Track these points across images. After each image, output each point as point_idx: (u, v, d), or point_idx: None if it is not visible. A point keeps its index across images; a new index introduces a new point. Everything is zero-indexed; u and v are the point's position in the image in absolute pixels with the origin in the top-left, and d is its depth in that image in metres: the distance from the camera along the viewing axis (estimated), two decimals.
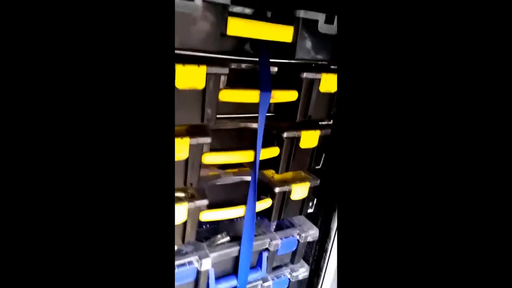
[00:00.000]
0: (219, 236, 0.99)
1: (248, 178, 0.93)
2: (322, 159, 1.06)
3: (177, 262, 0.86)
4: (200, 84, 0.72)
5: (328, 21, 0.83)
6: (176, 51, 0.69)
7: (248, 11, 0.82)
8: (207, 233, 1.01)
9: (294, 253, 1.09)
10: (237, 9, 0.79)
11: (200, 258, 0.88)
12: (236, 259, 0.97)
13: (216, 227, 1.04)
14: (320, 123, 1.01)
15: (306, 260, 1.17)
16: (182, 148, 0.76)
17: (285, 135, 0.90)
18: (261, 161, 0.88)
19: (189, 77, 0.70)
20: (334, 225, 1.08)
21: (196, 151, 0.78)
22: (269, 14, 0.84)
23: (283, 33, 0.80)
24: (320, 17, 0.82)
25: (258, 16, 0.83)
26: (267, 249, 1.01)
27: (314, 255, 1.17)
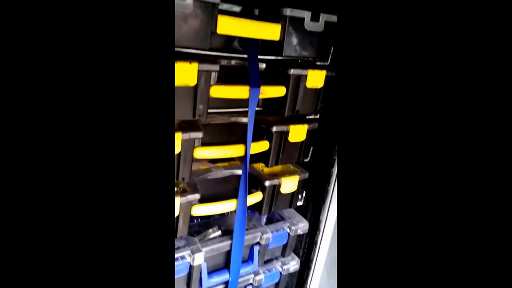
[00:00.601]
0: (210, 230, 1.00)
1: (239, 171, 0.95)
2: (310, 152, 1.09)
3: None
4: (192, 80, 0.74)
5: (314, 18, 0.86)
6: None
7: (236, 8, 0.84)
8: (199, 227, 1.03)
9: (285, 246, 1.12)
10: (226, 6, 0.81)
11: (193, 252, 0.90)
12: (228, 253, 0.98)
13: (207, 221, 1.06)
14: (307, 117, 1.04)
15: (296, 253, 1.20)
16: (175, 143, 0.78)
17: (274, 129, 0.92)
18: (251, 155, 0.90)
19: (181, 74, 0.72)
20: (323, 218, 1.11)
21: (188, 146, 0.80)
22: (256, 11, 0.87)
23: (271, 31, 0.82)
24: (306, 15, 0.85)
25: (246, 14, 0.85)
26: (258, 243, 1.03)
27: (304, 247, 1.20)
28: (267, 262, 1.11)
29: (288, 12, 0.82)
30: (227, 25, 0.76)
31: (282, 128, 0.94)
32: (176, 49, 0.73)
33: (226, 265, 1.01)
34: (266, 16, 0.84)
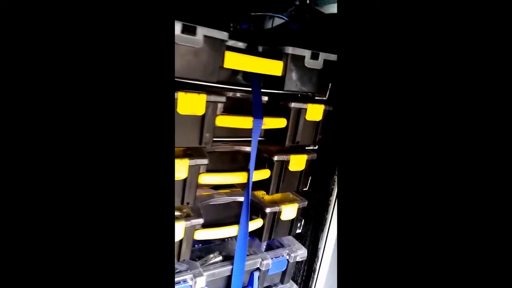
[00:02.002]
0: (211, 255, 1.03)
1: (240, 198, 0.99)
2: (309, 182, 1.13)
3: None
4: (200, 110, 0.79)
5: (314, 57, 0.93)
6: (179, 80, 0.77)
7: (242, 45, 0.91)
8: (200, 252, 1.05)
9: (284, 273, 1.14)
10: (232, 42, 0.88)
11: (194, 276, 0.92)
12: (229, 278, 1.01)
13: (208, 246, 1.08)
14: (307, 148, 1.09)
15: (294, 280, 1.21)
16: (181, 168, 0.82)
17: (275, 158, 0.97)
18: (252, 183, 0.94)
19: (190, 104, 0.77)
20: (322, 245, 1.14)
21: (194, 172, 0.84)
22: (260, 49, 0.94)
23: (274, 67, 0.89)
24: (307, 53, 0.92)
25: (251, 50, 0.92)
26: (258, 269, 1.05)
27: (303, 275, 1.22)
28: None
29: (290, 50, 0.89)
30: (234, 60, 0.82)
31: (283, 157, 0.99)
32: (186, 80, 0.79)
33: None
34: (269, 53, 0.91)
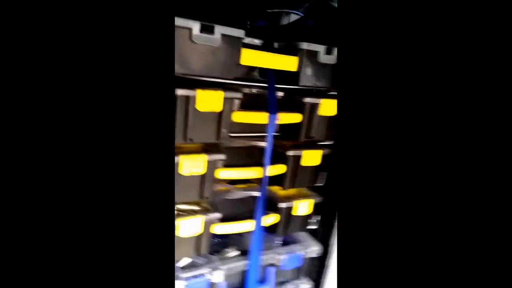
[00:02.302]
0: (228, 250, 1.04)
1: (257, 193, 1.00)
2: (324, 177, 1.14)
3: (190, 274, 0.92)
4: (217, 107, 0.81)
5: (328, 52, 0.94)
6: (197, 78, 0.78)
7: (257, 42, 0.92)
8: (217, 246, 1.07)
9: (298, 269, 1.15)
10: (248, 39, 0.89)
11: (213, 270, 0.94)
12: (245, 272, 1.02)
13: (225, 241, 1.10)
14: (321, 143, 1.10)
15: (307, 276, 1.22)
16: (199, 164, 0.83)
17: (290, 153, 0.98)
18: (268, 178, 0.95)
19: (208, 101, 0.79)
20: (334, 241, 1.15)
21: (212, 167, 0.86)
22: (276, 45, 0.95)
23: (289, 63, 0.90)
24: (321, 48, 0.93)
25: (266, 47, 0.93)
26: (273, 264, 1.07)
27: (316, 270, 1.23)
28: (280, 284, 1.14)
29: (304, 46, 0.90)
30: (250, 57, 0.83)
31: (297, 152, 1.00)
32: (204, 78, 0.80)
33: (242, 285, 1.04)
34: (285, 49, 0.92)
